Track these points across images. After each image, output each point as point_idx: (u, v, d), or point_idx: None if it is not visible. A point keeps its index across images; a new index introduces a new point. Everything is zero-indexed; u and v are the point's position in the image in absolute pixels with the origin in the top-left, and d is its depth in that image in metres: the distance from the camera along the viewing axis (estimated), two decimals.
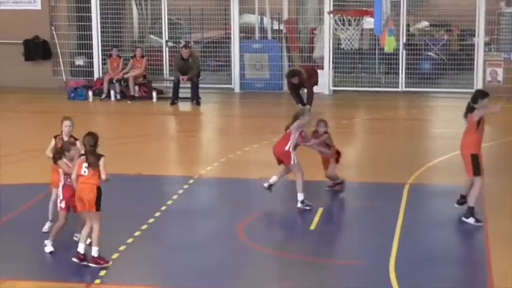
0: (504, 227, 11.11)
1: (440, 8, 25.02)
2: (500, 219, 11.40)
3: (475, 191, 11.20)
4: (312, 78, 19.28)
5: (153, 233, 10.91)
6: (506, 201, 12.23)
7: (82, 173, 9.57)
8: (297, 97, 18.72)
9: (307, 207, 11.81)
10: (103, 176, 9.50)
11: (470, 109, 11.30)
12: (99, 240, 9.55)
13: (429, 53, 23.69)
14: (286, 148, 12.07)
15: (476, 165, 11.19)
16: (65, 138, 10.57)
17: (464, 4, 23.27)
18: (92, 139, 9.64)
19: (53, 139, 10.69)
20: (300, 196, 11.89)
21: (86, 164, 9.55)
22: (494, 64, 22.15)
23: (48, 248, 10.08)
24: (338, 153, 12.79)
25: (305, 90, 19.02)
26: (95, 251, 9.53)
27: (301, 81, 18.70)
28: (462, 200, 11.56)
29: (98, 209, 9.55)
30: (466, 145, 11.33)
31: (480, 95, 11.43)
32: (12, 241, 10.58)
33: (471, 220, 11.14)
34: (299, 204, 11.86)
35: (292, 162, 12.07)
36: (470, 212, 11.17)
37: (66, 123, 10.72)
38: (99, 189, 9.54)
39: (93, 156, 9.56)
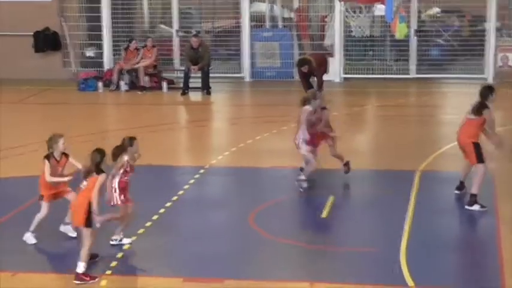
0: None
1: None
2: (511, 205, 11.36)
3: (479, 178, 11.18)
4: (322, 67, 19.26)
5: (164, 223, 10.91)
6: None
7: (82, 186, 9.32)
8: (306, 86, 18.69)
9: (300, 188, 12.02)
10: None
11: (483, 106, 11.29)
12: (87, 257, 9.12)
13: (439, 40, 23.59)
14: (296, 141, 12.19)
15: (480, 153, 11.21)
16: (58, 156, 10.15)
17: None
18: (99, 156, 9.25)
19: (46, 161, 10.08)
20: (302, 176, 12.12)
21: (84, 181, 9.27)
22: (505, 49, 22.04)
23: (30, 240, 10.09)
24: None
25: (315, 78, 18.99)
26: (80, 267, 9.07)
27: (311, 70, 18.68)
28: (462, 186, 11.72)
29: (87, 225, 9.16)
30: (467, 134, 11.37)
31: (489, 91, 11.43)
32: (23, 234, 10.59)
33: (476, 207, 11.11)
34: (296, 182, 12.15)
35: (302, 153, 12.19)
36: (474, 200, 11.15)
37: (62, 140, 10.12)
38: (89, 204, 9.10)
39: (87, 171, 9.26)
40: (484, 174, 11.21)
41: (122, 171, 9.84)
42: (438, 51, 23.31)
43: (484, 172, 11.20)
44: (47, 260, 9.98)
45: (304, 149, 12.19)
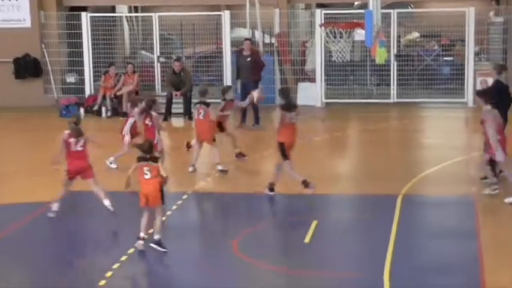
0: (497, 236, 11.13)
1: (431, 18, 25.13)
2: (493, 228, 11.43)
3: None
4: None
5: (147, 249, 10.86)
6: (498, 210, 12.27)
7: None
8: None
9: None
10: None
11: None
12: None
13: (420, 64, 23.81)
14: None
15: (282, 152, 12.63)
16: None
17: (454, 15, 23.37)
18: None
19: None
20: None
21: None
22: (484, 74, 22.20)
23: None
24: None
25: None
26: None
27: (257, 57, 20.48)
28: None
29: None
30: None
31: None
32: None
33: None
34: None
35: None
36: None
37: None
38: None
39: None
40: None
41: None
42: (418, 75, 23.46)
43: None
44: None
45: None
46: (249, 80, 20.17)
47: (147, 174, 10.61)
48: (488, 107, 12.76)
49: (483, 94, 13.19)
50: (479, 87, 22.24)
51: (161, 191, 10.66)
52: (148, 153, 10.70)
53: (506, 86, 14.13)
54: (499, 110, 13.24)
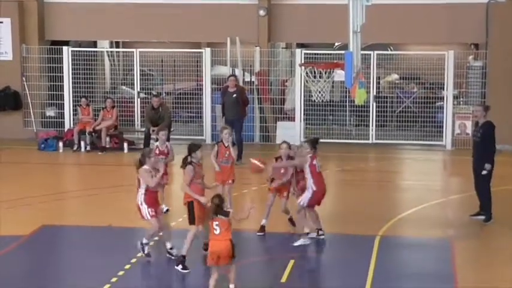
0: (474, 279, 11.16)
1: (410, 61, 25.35)
2: (470, 271, 11.46)
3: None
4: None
5: (122, 285, 10.80)
6: (475, 253, 12.30)
7: None
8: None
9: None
10: None
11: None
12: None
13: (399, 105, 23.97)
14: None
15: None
16: None
17: (434, 58, 23.59)
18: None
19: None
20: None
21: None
22: (463, 117, 22.39)
23: None
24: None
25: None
26: None
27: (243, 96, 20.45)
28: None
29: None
30: None
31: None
32: None
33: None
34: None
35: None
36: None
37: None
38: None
39: None
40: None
41: None
42: (397, 117, 23.59)
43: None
44: None
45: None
46: (234, 117, 20.20)
47: (216, 229, 10.05)
48: (309, 156, 12.86)
49: (312, 142, 13.23)
50: (458, 130, 22.49)
51: (232, 247, 10.08)
52: (218, 207, 10.04)
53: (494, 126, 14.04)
54: (491, 151, 13.35)
